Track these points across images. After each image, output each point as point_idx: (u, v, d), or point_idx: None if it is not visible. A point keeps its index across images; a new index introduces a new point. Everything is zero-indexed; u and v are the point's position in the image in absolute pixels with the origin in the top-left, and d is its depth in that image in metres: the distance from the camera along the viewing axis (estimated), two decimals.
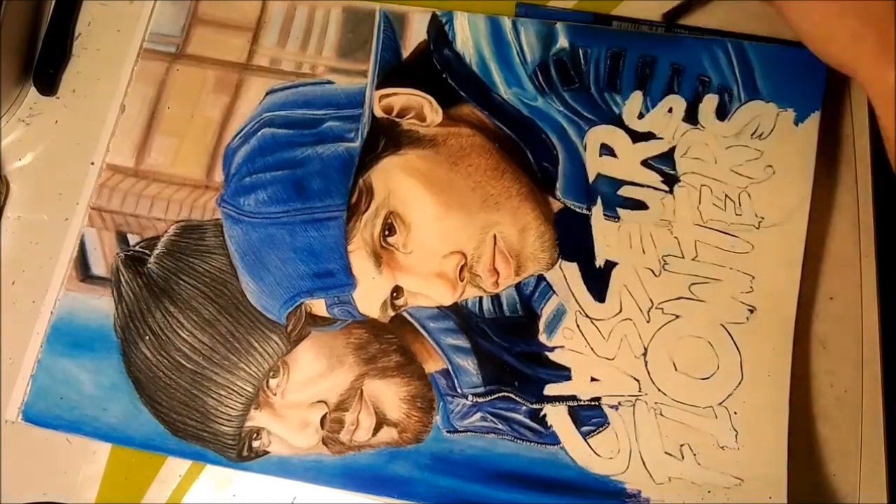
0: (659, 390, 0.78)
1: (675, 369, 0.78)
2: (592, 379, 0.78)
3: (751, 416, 0.77)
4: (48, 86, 0.92)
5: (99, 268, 0.85)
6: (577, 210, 0.82)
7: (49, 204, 0.88)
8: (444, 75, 0.86)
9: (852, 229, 0.82)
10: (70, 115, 0.91)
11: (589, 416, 0.78)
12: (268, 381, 0.80)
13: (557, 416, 0.78)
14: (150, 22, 0.91)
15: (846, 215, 0.82)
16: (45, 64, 0.92)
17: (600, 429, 0.77)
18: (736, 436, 0.76)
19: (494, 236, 0.81)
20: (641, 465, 0.76)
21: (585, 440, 0.77)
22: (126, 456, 0.81)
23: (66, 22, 0.93)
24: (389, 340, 0.81)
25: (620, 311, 0.80)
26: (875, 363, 0.80)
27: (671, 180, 0.82)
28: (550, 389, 0.78)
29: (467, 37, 0.88)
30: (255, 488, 0.80)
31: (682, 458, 0.76)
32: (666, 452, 0.76)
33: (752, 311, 0.78)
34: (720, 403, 0.77)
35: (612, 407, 0.78)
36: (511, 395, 0.78)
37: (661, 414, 0.77)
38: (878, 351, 0.80)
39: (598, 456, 0.77)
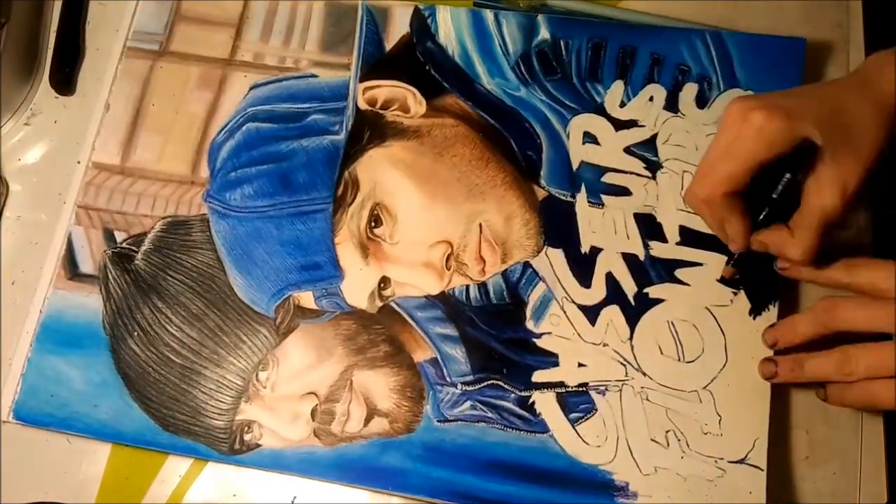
0: (645, 375, 0.78)
1: (661, 353, 0.78)
2: (580, 365, 0.79)
3: (734, 400, 0.77)
4: (65, 85, 0.92)
5: (87, 266, 0.85)
6: (562, 197, 0.83)
7: (48, 204, 0.88)
8: (427, 67, 0.87)
9: (851, 227, 0.82)
10: (69, 115, 0.91)
11: (577, 402, 0.78)
12: (257, 375, 0.80)
13: (546, 403, 0.78)
14: (133, 20, 0.92)
15: None
16: (62, 63, 0.92)
17: (588, 415, 0.77)
18: (719, 421, 0.76)
19: (480, 225, 0.81)
20: (628, 453, 0.76)
21: (574, 427, 0.77)
22: (126, 456, 0.81)
23: (77, 20, 0.94)
24: (378, 331, 0.81)
25: (606, 296, 0.80)
26: None
27: (654, 167, 0.83)
28: (538, 376, 0.79)
29: (450, 29, 0.88)
30: (256, 488, 0.80)
31: (668, 445, 0.76)
32: (652, 440, 0.76)
33: (735, 294, 0.79)
34: (705, 387, 0.77)
35: (599, 392, 0.78)
36: (499, 382, 0.79)
37: (648, 399, 0.77)
38: None
39: (587, 444, 0.77)
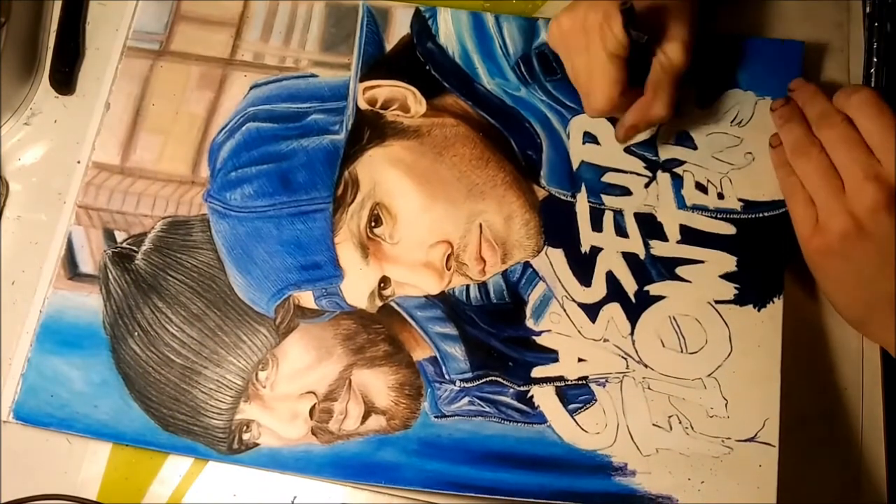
0: (646, 366, 0.78)
1: (663, 346, 0.78)
2: (580, 360, 0.79)
3: (741, 385, 0.77)
4: (65, 85, 0.92)
5: (87, 266, 0.85)
6: (562, 197, 0.83)
7: (48, 204, 0.88)
8: (427, 67, 0.87)
9: None
10: (69, 115, 0.91)
11: (576, 394, 0.78)
12: (257, 374, 0.80)
13: (544, 396, 0.78)
14: (133, 20, 0.92)
15: None
16: (61, 63, 0.92)
17: (587, 405, 0.77)
18: (726, 404, 0.77)
19: (480, 225, 0.81)
20: (629, 437, 0.76)
21: (572, 417, 0.77)
22: (126, 456, 0.81)
23: (76, 20, 0.93)
24: (377, 330, 0.81)
25: (606, 294, 0.80)
26: (875, 361, 0.80)
27: (654, 166, 0.83)
28: (538, 372, 0.79)
29: (450, 30, 0.88)
30: (255, 488, 0.80)
31: (671, 429, 0.76)
32: (654, 424, 0.77)
33: (738, 289, 0.79)
34: (709, 375, 0.77)
35: (599, 384, 0.78)
36: (498, 378, 0.79)
37: (649, 388, 0.77)
38: (879, 349, 0.80)
39: (585, 432, 0.77)
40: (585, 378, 0.78)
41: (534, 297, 0.81)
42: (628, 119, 0.79)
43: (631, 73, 0.76)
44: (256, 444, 0.79)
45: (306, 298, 0.82)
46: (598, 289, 0.80)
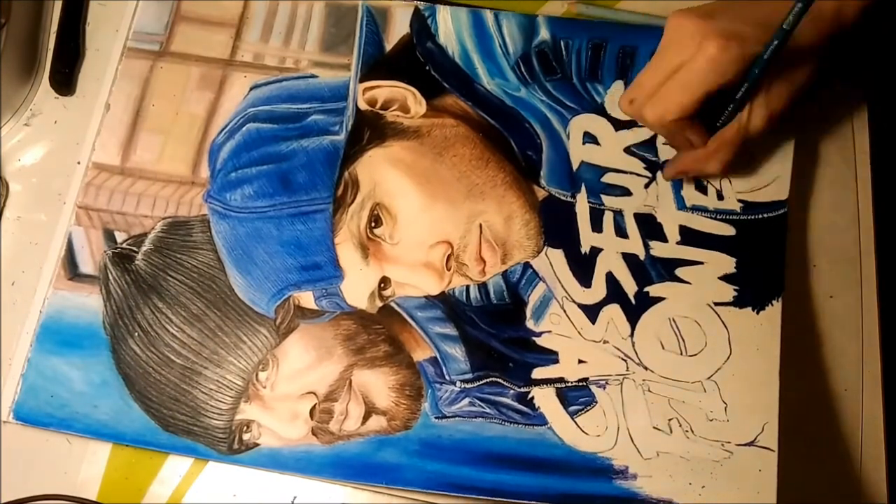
0: (646, 368, 0.78)
1: (663, 348, 0.79)
2: (580, 361, 0.79)
3: (740, 388, 0.77)
4: (65, 86, 0.92)
5: (87, 266, 0.85)
6: (562, 197, 0.83)
7: (48, 204, 0.88)
8: (427, 67, 0.87)
9: (852, 227, 0.82)
10: (69, 116, 0.91)
11: (576, 395, 0.78)
12: (257, 375, 0.80)
13: (545, 398, 0.78)
14: (133, 21, 0.91)
15: (846, 213, 0.82)
16: (61, 63, 0.92)
17: (588, 407, 0.78)
18: (725, 408, 0.77)
19: (480, 225, 0.81)
20: (629, 440, 0.77)
21: (573, 419, 0.77)
22: (126, 456, 0.81)
23: (76, 21, 0.93)
24: (377, 331, 0.81)
25: (606, 295, 0.80)
26: (875, 362, 0.80)
27: (654, 167, 0.83)
28: (538, 373, 0.79)
29: (450, 30, 0.88)
30: (255, 488, 0.80)
31: (671, 432, 0.77)
32: (654, 427, 0.77)
33: (738, 291, 0.79)
34: (708, 378, 0.78)
35: (599, 386, 0.78)
36: (499, 379, 0.79)
37: (649, 390, 0.78)
38: (878, 350, 0.80)
39: (586, 434, 0.77)
40: (586, 380, 0.78)
41: (534, 298, 0.81)
42: (682, 164, 0.80)
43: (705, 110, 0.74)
44: (256, 445, 0.79)
45: (306, 299, 0.81)
46: (598, 290, 0.80)
